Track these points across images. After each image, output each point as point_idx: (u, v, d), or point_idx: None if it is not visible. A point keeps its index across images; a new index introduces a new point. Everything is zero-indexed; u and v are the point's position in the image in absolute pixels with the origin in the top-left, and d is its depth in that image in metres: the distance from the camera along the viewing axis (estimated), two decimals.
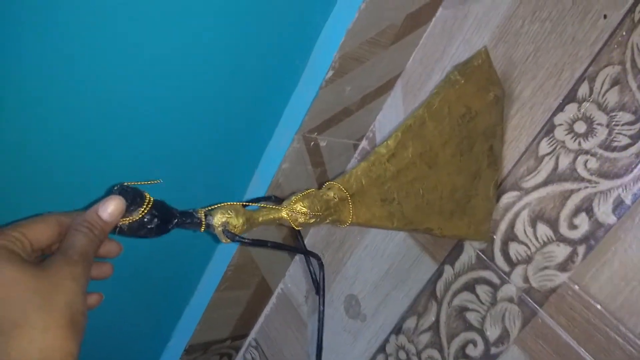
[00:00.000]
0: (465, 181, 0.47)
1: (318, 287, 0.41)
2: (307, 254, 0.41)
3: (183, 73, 0.47)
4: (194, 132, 0.53)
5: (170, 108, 0.49)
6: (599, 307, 0.42)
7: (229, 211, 0.35)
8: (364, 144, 0.64)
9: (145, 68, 0.45)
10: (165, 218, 0.32)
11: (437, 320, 0.53)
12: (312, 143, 0.59)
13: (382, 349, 0.58)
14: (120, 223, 0.31)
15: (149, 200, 0.32)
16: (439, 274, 0.53)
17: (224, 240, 0.35)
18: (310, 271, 0.42)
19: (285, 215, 0.38)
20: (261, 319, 0.73)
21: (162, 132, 0.50)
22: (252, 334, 0.74)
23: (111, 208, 0.31)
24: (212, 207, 0.35)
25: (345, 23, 0.51)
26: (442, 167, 0.46)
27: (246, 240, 0.35)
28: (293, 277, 0.70)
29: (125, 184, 0.32)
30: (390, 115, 0.61)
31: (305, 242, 0.68)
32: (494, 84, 0.50)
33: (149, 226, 0.32)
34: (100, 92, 0.43)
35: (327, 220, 0.40)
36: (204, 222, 0.34)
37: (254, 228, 0.37)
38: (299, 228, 0.39)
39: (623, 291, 0.41)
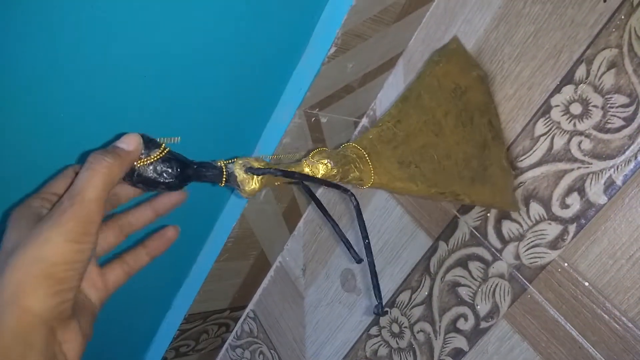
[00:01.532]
0: (475, 150, 0.47)
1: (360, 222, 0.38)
2: (340, 189, 0.37)
3: (184, 48, 0.48)
4: (195, 104, 0.54)
5: (170, 85, 0.49)
6: (586, 284, 0.44)
7: (248, 159, 0.34)
8: (364, 121, 0.65)
9: (148, 41, 0.45)
10: (184, 164, 0.31)
11: (430, 295, 0.54)
12: (313, 119, 0.60)
13: (376, 321, 0.60)
14: (138, 165, 0.30)
15: (164, 146, 0.31)
16: (433, 250, 0.54)
17: (247, 188, 0.33)
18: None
19: (307, 170, 0.37)
20: (259, 291, 0.75)
21: (162, 108, 0.51)
22: (250, 306, 0.76)
23: (128, 140, 0.29)
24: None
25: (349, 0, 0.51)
26: (448, 136, 0.46)
27: (275, 171, 0.33)
28: (291, 251, 0.71)
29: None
30: (391, 94, 0.62)
31: (305, 217, 0.70)
32: (473, 65, 0.52)
33: (169, 170, 0.30)
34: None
35: (349, 177, 0.39)
36: (224, 170, 0.33)
37: (276, 184, 0.36)
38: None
39: (610, 269, 0.42)
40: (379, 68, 0.60)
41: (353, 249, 0.37)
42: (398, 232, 0.58)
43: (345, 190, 0.36)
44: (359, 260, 0.36)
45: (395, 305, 0.58)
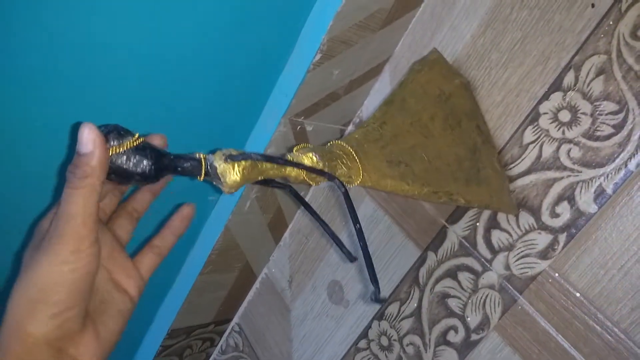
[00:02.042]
0: (466, 153, 0.46)
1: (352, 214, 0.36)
2: (325, 175, 0.35)
3: (167, 54, 0.46)
4: (177, 113, 0.52)
5: (153, 93, 0.48)
6: (578, 295, 0.43)
7: (229, 150, 0.32)
8: (350, 129, 0.63)
9: (132, 48, 0.44)
10: (160, 153, 0.29)
11: (419, 307, 0.53)
12: (299, 127, 0.59)
13: (364, 334, 0.58)
14: (111, 154, 0.27)
15: (137, 135, 0.29)
16: (422, 260, 0.53)
17: (228, 180, 0.31)
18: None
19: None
20: (245, 304, 0.73)
21: (144, 117, 0.50)
22: (236, 319, 0.74)
23: (81, 141, 0.27)
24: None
25: (335, 6, 0.50)
26: (437, 138, 0.45)
27: (257, 156, 0.31)
28: (277, 262, 0.69)
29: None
30: (377, 101, 0.61)
31: (291, 227, 0.68)
32: (455, 73, 0.51)
33: (143, 160, 0.28)
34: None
35: (337, 173, 0.36)
36: (203, 160, 0.31)
37: (260, 178, 0.34)
38: (306, 181, 0.35)
39: (602, 280, 0.41)
40: (365, 75, 0.59)
41: (345, 247, 0.36)
42: (386, 242, 0.57)
43: (332, 177, 0.34)
44: (352, 259, 0.35)
45: (383, 317, 0.56)
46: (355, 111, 0.63)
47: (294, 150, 0.35)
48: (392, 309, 0.56)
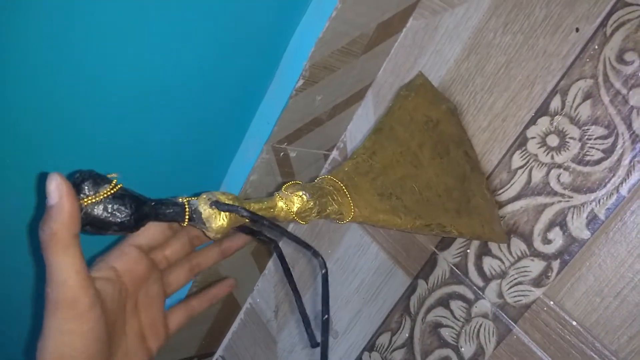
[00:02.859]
0: (455, 182, 0.45)
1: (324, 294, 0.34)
2: (311, 250, 0.34)
3: (144, 79, 0.45)
4: (156, 140, 0.50)
5: (135, 118, 0.46)
6: (574, 323, 0.42)
7: (213, 193, 0.30)
8: (334, 154, 0.62)
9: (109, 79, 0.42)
10: (139, 201, 0.27)
11: (411, 337, 0.51)
12: (282, 153, 0.57)
13: None
14: (85, 204, 0.25)
15: (115, 182, 0.27)
16: (412, 288, 0.52)
17: (214, 225, 0.29)
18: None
19: (281, 204, 0.33)
20: (229, 335, 0.71)
21: (125, 143, 0.48)
22: (220, 352, 0.71)
23: (48, 192, 0.25)
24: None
25: (316, 32, 0.49)
26: (427, 167, 0.44)
27: (242, 210, 0.29)
28: (262, 292, 0.67)
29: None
30: (361, 125, 0.60)
31: (275, 255, 0.66)
32: (442, 98, 0.51)
33: (122, 208, 0.26)
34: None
35: (327, 210, 0.35)
36: (187, 205, 0.29)
37: (247, 221, 0.32)
38: (296, 220, 0.34)
39: (598, 307, 0.41)
40: (348, 100, 0.58)
41: (311, 329, 0.34)
42: (374, 270, 0.55)
43: (316, 254, 0.32)
44: (314, 344, 0.33)
45: (374, 348, 0.55)
46: (338, 136, 0.62)
47: (282, 189, 0.34)
48: (383, 339, 0.54)
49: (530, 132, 0.45)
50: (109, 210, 0.26)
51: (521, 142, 0.46)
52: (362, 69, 0.56)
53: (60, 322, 0.27)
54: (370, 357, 0.55)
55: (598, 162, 0.41)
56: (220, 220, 0.29)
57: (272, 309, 0.66)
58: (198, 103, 0.51)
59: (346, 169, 0.38)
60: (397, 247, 0.53)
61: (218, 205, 0.29)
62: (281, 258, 0.34)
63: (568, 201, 0.43)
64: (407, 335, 0.52)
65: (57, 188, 0.25)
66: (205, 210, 0.29)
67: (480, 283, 0.47)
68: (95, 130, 0.45)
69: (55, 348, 0.27)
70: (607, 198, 0.41)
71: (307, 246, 0.33)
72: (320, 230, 0.61)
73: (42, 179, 0.40)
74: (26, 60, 0.37)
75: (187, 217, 0.29)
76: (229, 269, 0.63)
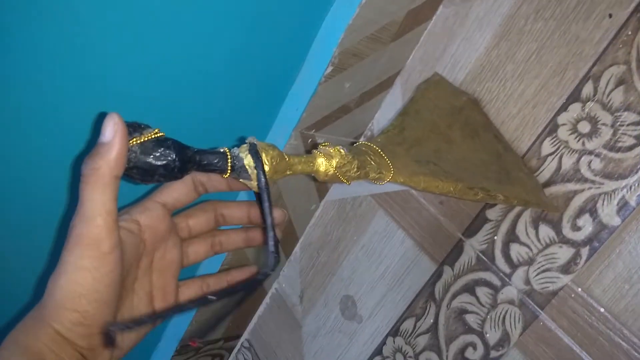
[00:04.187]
0: (491, 157, 0.44)
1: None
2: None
3: (177, 69, 0.46)
4: (186, 127, 0.51)
5: (159, 105, 0.47)
6: (602, 310, 0.42)
7: (255, 140, 0.30)
8: (362, 141, 0.63)
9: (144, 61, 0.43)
10: (182, 146, 0.27)
11: (436, 323, 0.52)
12: (310, 140, 0.58)
13: (378, 351, 0.57)
14: (132, 143, 0.26)
15: (157, 130, 0.27)
16: (437, 275, 0.52)
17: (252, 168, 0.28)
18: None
19: (321, 159, 0.33)
20: (255, 320, 0.72)
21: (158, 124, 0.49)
22: (245, 335, 0.73)
23: (104, 129, 0.26)
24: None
25: (346, 18, 0.50)
26: (459, 144, 0.44)
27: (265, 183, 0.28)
28: (287, 278, 0.68)
29: None
30: (388, 114, 0.60)
31: (301, 241, 0.67)
32: (461, 92, 0.51)
33: (166, 151, 0.26)
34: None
35: (367, 168, 0.35)
36: (229, 153, 0.29)
37: (288, 174, 0.32)
38: (338, 178, 0.33)
39: (627, 294, 0.40)
40: (377, 87, 0.59)
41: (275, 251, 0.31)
42: (400, 256, 0.56)
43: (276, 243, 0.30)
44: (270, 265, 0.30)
45: (398, 333, 0.55)
46: (366, 124, 0.62)
47: (319, 146, 0.34)
48: (408, 324, 0.54)
49: (561, 119, 0.45)
50: (154, 154, 0.26)
51: (552, 128, 0.46)
52: (391, 56, 0.56)
53: (78, 259, 0.27)
54: (394, 342, 0.56)
55: (630, 148, 0.41)
56: (264, 166, 0.29)
57: (297, 294, 0.67)
58: (229, 88, 0.52)
59: (379, 140, 0.39)
60: (423, 234, 0.54)
61: (251, 148, 0.29)
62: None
63: (599, 188, 0.42)
64: (431, 321, 0.52)
65: (113, 126, 0.25)
66: (247, 157, 0.29)
67: (507, 270, 0.47)
68: (133, 109, 0.46)
69: (67, 283, 0.27)
70: (638, 185, 0.40)
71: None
72: (347, 216, 0.62)
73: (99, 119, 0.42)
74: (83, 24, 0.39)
75: (229, 165, 0.29)
76: (255, 254, 0.64)
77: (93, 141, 0.29)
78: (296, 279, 0.67)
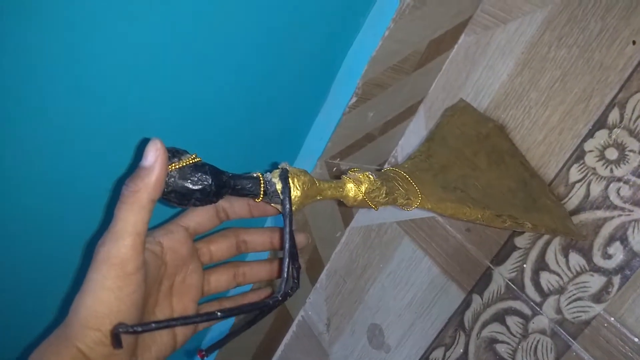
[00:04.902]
0: (517, 185, 0.45)
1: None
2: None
3: (210, 101, 0.47)
4: (212, 157, 0.53)
5: (195, 136, 0.49)
6: (636, 340, 0.41)
7: (288, 166, 0.31)
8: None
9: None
10: (218, 171, 0.29)
11: (466, 352, 0.51)
12: (334, 169, 0.59)
13: None
14: (171, 169, 0.27)
15: (195, 155, 0.29)
16: (466, 303, 0.52)
17: (280, 190, 0.29)
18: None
19: (350, 185, 0.34)
20: (281, 347, 0.72)
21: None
22: None
23: (146, 154, 0.27)
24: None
25: (369, 50, 0.51)
26: (485, 171, 0.44)
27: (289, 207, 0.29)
28: (314, 305, 0.68)
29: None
30: (412, 141, 0.60)
31: (327, 268, 0.67)
32: (486, 118, 0.51)
33: (203, 176, 0.28)
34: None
35: (395, 194, 0.36)
36: (262, 178, 0.30)
37: (318, 199, 0.33)
38: (367, 203, 0.34)
39: None
40: (400, 115, 0.59)
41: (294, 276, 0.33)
42: (427, 284, 0.55)
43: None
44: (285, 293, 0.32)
45: None
46: (390, 151, 0.63)
47: (349, 172, 0.35)
48: (437, 354, 0.54)
49: (588, 145, 0.45)
50: (192, 178, 0.28)
51: (579, 155, 0.45)
52: (414, 85, 0.57)
53: (103, 278, 0.27)
54: None
55: None
56: (294, 191, 0.30)
57: (324, 322, 0.67)
58: (255, 120, 0.53)
59: (406, 166, 0.39)
60: (451, 262, 0.54)
61: (282, 174, 0.30)
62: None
63: (629, 215, 0.42)
64: (461, 350, 0.52)
65: (155, 152, 0.27)
66: (279, 182, 0.30)
67: (538, 298, 0.46)
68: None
69: (92, 302, 0.27)
70: None
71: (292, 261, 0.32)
72: (372, 244, 0.62)
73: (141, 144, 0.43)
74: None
75: (262, 190, 0.30)
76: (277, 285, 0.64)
77: (135, 164, 0.30)
78: (322, 306, 0.67)
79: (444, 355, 0.53)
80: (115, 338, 0.26)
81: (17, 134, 0.39)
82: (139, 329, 0.26)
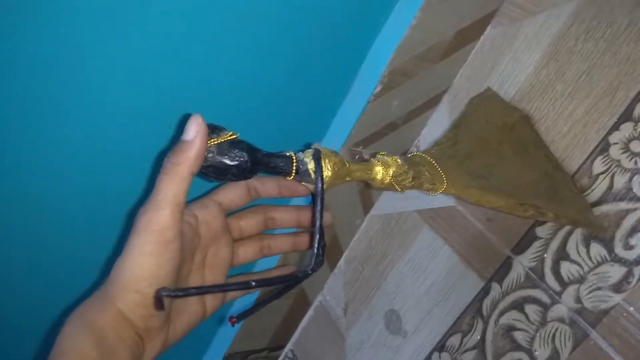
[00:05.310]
0: (541, 176, 0.45)
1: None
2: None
3: (244, 87, 0.48)
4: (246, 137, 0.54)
5: (228, 115, 0.50)
6: None
7: (319, 147, 0.32)
8: None
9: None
10: (253, 148, 0.30)
11: (483, 339, 0.52)
12: (357, 156, 0.60)
13: None
14: (210, 144, 0.28)
15: (232, 132, 0.30)
16: (485, 291, 0.52)
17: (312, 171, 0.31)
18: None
19: (379, 167, 0.35)
20: (299, 331, 0.73)
21: None
22: (290, 345, 0.74)
23: (187, 129, 0.28)
24: None
25: (396, 39, 0.52)
26: (509, 161, 0.45)
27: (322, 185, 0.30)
28: (332, 290, 0.70)
29: None
30: (435, 131, 0.61)
31: (346, 254, 0.69)
32: (513, 108, 0.52)
33: (239, 152, 0.29)
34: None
35: (421, 178, 0.37)
36: (294, 157, 0.31)
37: (347, 180, 0.34)
38: (393, 186, 0.35)
39: None
40: (424, 105, 0.60)
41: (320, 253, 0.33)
42: (446, 272, 0.56)
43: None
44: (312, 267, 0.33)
45: (444, 349, 0.56)
46: (412, 140, 0.63)
47: (377, 155, 0.36)
48: (454, 340, 0.55)
49: (613, 138, 0.45)
50: (230, 154, 0.29)
51: (603, 147, 0.46)
52: (439, 75, 0.58)
53: (144, 244, 0.29)
54: (440, 357, 0.56)
55: None
56: (326, 171, 0.31)
57: (341, 307, 0.68)
58: (281, 107, 0.54)
59: (432, 152, 0.40)
60: (470, 250, 0.54)
61: (315, 154, 0.31)
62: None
63: None
64: (478, 337, 0.53)
65: (196, 127, 0.28)
66: (311, 162, 0.31)
67: (557, 287, 0.47)
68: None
69: (132, 266, 0.29)
70: None
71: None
72: (392, 231, 0.63)
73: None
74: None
75: (294, 168, 0.31)
76: (300, 264, 0.66)
77: (176, 138, 0.31)
78: (340, 291, 0.69)
79: (461, 341, 0.54)
80: (158, 300, 0.28)
81: (70, 111, 0.41)
82: (180, 293, 0.27)
